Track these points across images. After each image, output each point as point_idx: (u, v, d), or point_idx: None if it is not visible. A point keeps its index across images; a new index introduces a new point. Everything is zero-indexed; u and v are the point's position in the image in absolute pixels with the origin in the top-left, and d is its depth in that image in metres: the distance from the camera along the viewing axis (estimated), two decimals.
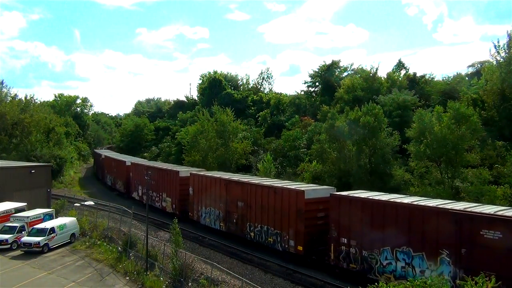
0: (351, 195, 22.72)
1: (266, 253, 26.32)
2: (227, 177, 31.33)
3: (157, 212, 39.36)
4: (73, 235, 29.94)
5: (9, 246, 27.31)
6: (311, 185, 28.70)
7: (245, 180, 29.46)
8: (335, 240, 22.18)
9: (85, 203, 37.18)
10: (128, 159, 52.26)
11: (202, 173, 34.36)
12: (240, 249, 27.75)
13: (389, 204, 20.34)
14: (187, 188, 34.79)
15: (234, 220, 29.22)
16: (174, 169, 38.59)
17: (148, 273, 22.84)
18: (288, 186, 25.68)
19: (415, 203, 19.71)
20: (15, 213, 30.47)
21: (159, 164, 46.05)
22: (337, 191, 25.52)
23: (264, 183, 27.79)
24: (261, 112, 69.58)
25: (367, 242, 20.73)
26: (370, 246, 20.56)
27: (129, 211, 30.81)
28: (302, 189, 24.46)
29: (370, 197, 21.56)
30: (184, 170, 37.22)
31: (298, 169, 44.98)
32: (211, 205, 31.80)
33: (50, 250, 27.45)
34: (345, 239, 21.75)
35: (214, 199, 31.34)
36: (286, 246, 24.86)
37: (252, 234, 27.66)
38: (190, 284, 21.21)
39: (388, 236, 19.82)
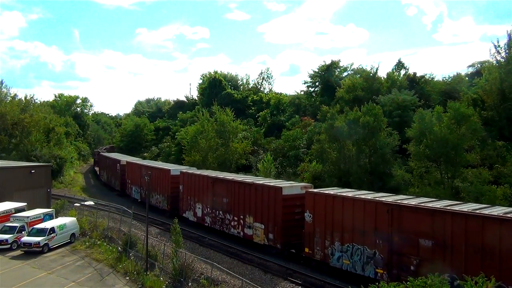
0: None
1: None
2: (390, 200, 20.82)
3: (233, 241, 29.47)
4: (73, 235, 29.93)
5: (9, 246, 27.31)
6: None
7: (438, 205, 18.96)
8: None
9: (85, 203, 37.16)
10: (173, 167, 41.25)
11: (332, 192, 23.50)
12: (241, 249, 25.75)
13: None
14: (294, 210, 25.27)
15: (412, 268, 18.92)
16: (270, 183, 27.36)
17: (148, 273, 22.84)
18: None
19: None
20: (15, 213, 30.47)
21: (234, 176, 33.75)
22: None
23: (487, 212, 17.46)
24: (261, 112, 69.64)
25: None
26: None
27: (129, 211, 30.80)
28: None
29: None
30: (287, 186, 26.27)
31: (298, 169, 45.04)
32: (354, 241, 21.42)
33: (50, 250, 27.45)
34: None
35: (360, 232, 21.16)
36: None
37: None
38: (190, 284, 21.23)
39: None
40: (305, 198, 24.20)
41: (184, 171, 36.82)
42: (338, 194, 22.91)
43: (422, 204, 19.38)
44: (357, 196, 22.13)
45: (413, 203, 19.81)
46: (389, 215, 19.84)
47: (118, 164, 52.22)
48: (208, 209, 32.28)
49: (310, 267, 23.83)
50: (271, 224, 26.18)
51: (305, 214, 23.96)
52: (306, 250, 23.83)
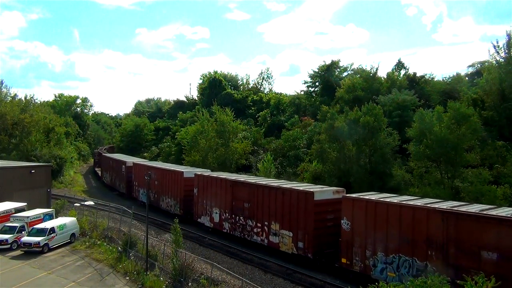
0: None
1: None
2: (444, 206, 18.76)
3: (255, 248, 27.42)
4: (73, 235, 29.93)
5: (9, 246, 27.29)
6: None
7: (504, 214, 17.14)
8: None
9: (85, 203, 37.16)
10: (185, 169, 38.84)
11: (373, 198, 21.28)
12: (240, 249, 26.37)
13: None
14: (326, 216, 23.48)
15: None
16: (299, 187, 25.43)
17: (148, 273, 22.84)
18: None
19: None
20: (15, 213, 30.45)
21: (256, 179, 31.83)
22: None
23: None
24: (261, 112, 69.72)
25: None
26: None
27: (129, 211, 30.79)
28: None
29: None
30: (319, 190, 24.30)
31: (298, 169, 45.06)
32: (401, 251, 19.33)
33: (50, 250, 27.43)
34: None
35: (408, 242, 18.99)
36: None
37: None
38: (190, 284, 21.23)
39: None
40: (342, 204, 22.05)
41: (199, 173, 34.55)
42: (381, 200, 20.72)
43: (485, 212, 17.35)
44: (404, 202, 19.97)
45: (473, 210, 17.84)
46: (444, 224, 17.80)
47: (123, 166, 50.00)
48: (227, 214, 30.17)
49: (345, 278, 21.82)
50: (301, 232, 24.10)
51: (342, 221, 21.78)
52: (343, 260, 21.73)
